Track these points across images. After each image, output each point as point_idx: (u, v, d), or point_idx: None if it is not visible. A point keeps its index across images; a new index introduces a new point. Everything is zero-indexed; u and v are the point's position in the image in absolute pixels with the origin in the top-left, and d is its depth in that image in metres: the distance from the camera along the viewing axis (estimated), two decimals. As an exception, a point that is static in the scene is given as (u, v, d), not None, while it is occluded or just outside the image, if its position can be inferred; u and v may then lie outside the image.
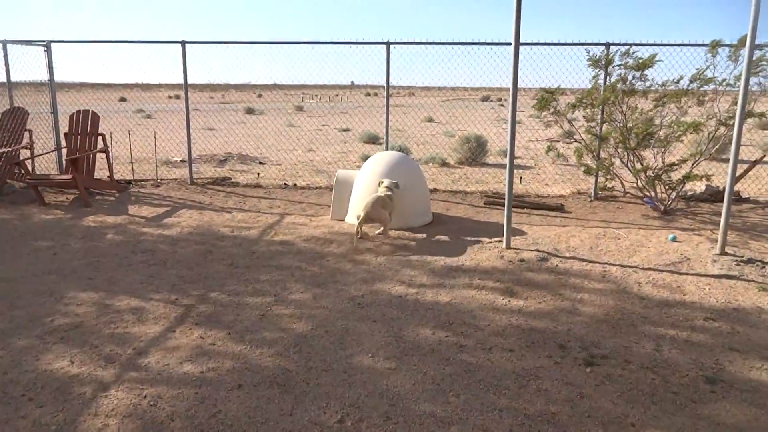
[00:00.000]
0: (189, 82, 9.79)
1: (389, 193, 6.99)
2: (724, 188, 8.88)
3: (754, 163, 8.91)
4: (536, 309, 5.00)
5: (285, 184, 10.23)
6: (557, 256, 6.39)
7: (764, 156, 8.93)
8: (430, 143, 16.99)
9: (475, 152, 12.76)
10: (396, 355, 4.14)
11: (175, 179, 10.54)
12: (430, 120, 26.80)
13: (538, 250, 6.53)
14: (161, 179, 10.50)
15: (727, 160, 12.06)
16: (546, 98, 8.08)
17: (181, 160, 12.66)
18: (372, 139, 17.50)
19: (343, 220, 7.68)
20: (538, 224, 7.76)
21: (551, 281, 5.65)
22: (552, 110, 8.19)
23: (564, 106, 8.27)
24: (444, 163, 12.73)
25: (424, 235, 7.11)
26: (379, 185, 7.12)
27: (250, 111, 32.57)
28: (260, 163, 12.85)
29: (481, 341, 4.38)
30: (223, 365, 3.94)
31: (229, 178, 10.58)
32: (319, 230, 7.28)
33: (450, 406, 3.52)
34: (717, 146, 8.15)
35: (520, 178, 10.49)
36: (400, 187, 7.13)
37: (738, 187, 8.21)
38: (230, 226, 7.52)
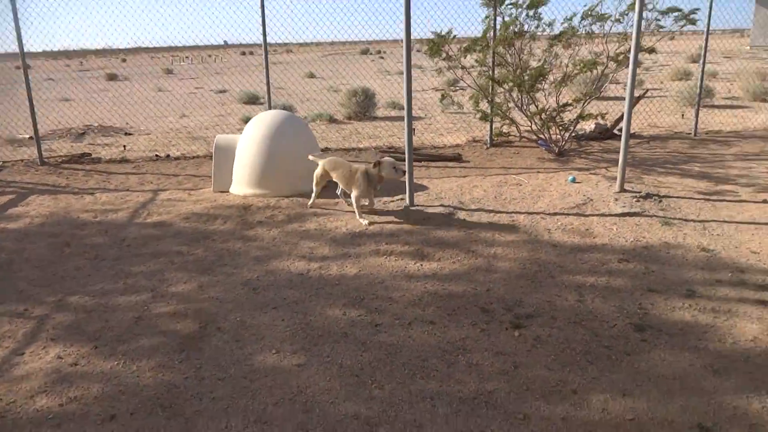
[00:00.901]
0: (37, 49, 8.31)
1: (366, 171, 5.74)
2: (612, 125, 8.99)
3: (638, 98, 9.06)
4: (451, 271, 4.60)
5: (156, 155, 9.10)
6: (463, 209, 6.04)
7: (647, 92, 9.10)
8: (314, 100, 16.14)
9: (363, 106, 12.15)
10: (304, 346, 3.56)
11: (22, 160, 9.04)
12: (312, 76, 25.74)
13: (443, 205, 6.14)
14: (4, 162, 8.97)
15: (606, 99, 12.36)
16: (438, 43, 7.59)
17: (29, 137, 10.98)
18: (252, 99, 16.34)
19: (228, 192, 6.85)
20: (438, 177, 7.39)
21: (462, 238, 5.28)
22: (444, 56, 7.73)
23: (456, 50, 7.83)
24: (332, 120, 12.05)
25: (320, 200, 6.48)
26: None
27: (112, 77, 29.63)
28: (126, 134, 11.46)
29: (398, 316, 3.91)
30: (90, 391, 3.16)
31: (89, 154, 9.26)
32: (200, 205, 6.43)
33: (374, 401, 3.02)
34: (606, 83, 8.14)
35: (414, 129, 10.09)
36: (403, 173, 5.79)
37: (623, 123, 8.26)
38: (93, 210, 6.45)
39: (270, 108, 8.57)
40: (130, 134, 11.43)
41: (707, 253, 4.82)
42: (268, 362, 3.39)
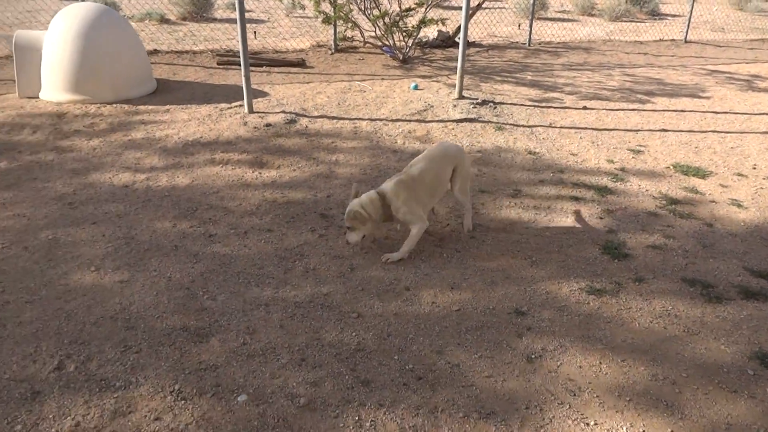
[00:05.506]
0: None
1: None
2: (454, 33, 9.10)
3: (476, 8, 9.20)
4: (291, 178, 4.47)
5: (-55, 55, 7.68)
6: (306, 116, 5.85)
7: (483, 2, 9.27)
8: (144, -2, 14.47)
9: (199, 5, 11.12)
10: (128, 262, 3.29)
11: None
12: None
13: (284, 112, 5.90)
14: None
15: (450, 8, 12.48)
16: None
17: None
18: (69, -5, 14.25)
19: (38, 98, 6.00)
20: (281, 83, 7.05)
21: (303, 145, 5.13)
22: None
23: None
24: (164, 20, 10.92)
25: (149, 107, 5.91)
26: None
27: None
28: None
29: (233, 225, 3.74)
30: None
31: None
32: (2, 113, 5.56)
33: (206, 312, 2.89)
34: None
35: (255, 33, 9.46)
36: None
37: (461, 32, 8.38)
38: None
39: None
40: None
41: (533, 155, 5.15)
42: (85, 281, 3.10)
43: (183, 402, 2.35)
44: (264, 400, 2.38)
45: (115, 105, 5.87)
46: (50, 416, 2.26)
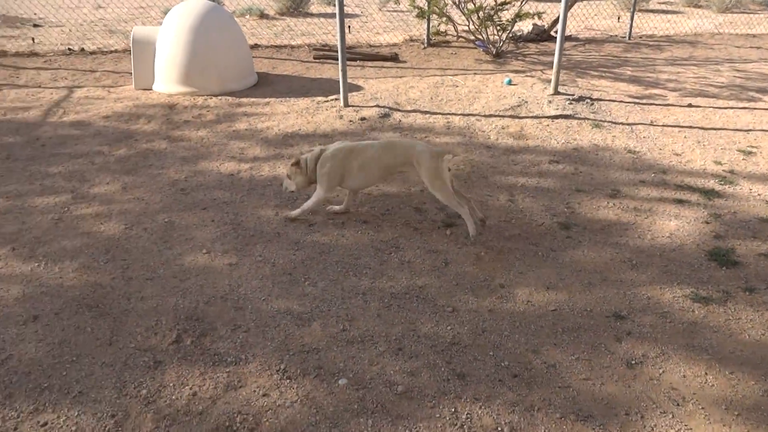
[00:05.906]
0: None
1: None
2: (549, 27, 8.89)
3: (574, 0, 8.94)
4: (386, 171, 4.56)
5: (70, 49, 8.36)
6: (399, 110, 5.93)
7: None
8: (244, -7, 15.07)
9: (297, 1, 11.47)
10: (236, 246, 3.50)
11: None
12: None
13: (378, 106, 6.00)
14: None
15: (544, 0, 12.17)
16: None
17: None
18: (175, -9, 15.07)
19: (151, 89, 6.43)
20: (374, 77, 7.18)
21: (397, 139, 5.21)
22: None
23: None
24: (263, 15, 11.36)
25: (251, 100, 6.20)
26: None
27: (15, -38, 26.53)
28: (35, 25, 10.43)
29: (331, 216, 3.88)
30: (9, 293, 3.02)
31: (-6, 46, 8.39)
32: (121, 104, 6.02)
33: (307, 298, 3.04)
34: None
35: (349, 27, 9.65)
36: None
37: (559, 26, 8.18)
38: (1, 108, 5.93)
39: (194, -1, 7.90)
40: (39, 26, 10.41)
41: (633, 154, 4.98)
42: (198, 262, 3.32)
43: (288, 381, 2.49)
44: (363, 385, 2.48)
45: (220, 97, 6.19)
46: (171, 384, 2.46)
